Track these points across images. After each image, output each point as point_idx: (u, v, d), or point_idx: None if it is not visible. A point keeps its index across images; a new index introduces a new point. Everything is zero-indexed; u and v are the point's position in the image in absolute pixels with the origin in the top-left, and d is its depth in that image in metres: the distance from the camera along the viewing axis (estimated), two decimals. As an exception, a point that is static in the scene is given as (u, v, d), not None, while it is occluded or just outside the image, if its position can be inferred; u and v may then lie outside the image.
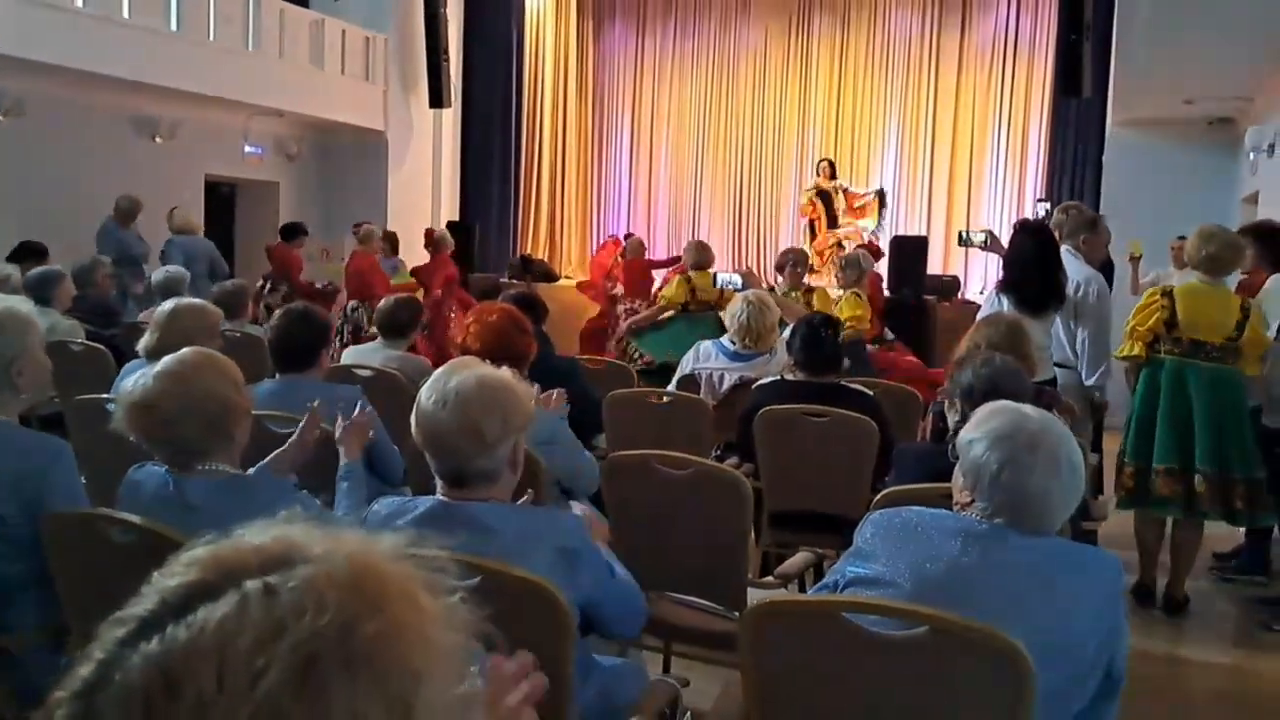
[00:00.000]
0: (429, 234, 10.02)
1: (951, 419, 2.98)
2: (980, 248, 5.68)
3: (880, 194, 13.15)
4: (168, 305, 3.76)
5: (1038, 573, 1.81)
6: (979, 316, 4.50)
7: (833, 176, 13.04)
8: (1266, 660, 4.33)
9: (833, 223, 12.96)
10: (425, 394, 2.05)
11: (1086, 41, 10.28)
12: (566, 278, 13.37)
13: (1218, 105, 9.52)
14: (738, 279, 6.66)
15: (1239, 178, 9.88)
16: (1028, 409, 1.94)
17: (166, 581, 0.66)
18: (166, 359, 2.26)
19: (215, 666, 0.61)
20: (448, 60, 12.36)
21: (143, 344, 3.70)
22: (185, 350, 2.33)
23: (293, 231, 9.73)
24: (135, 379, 2.25)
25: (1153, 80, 8.98)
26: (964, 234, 5.98)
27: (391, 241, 10.01)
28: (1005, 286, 4.76)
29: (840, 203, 13.02)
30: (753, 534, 4.01)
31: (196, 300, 3.97)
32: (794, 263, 6.87)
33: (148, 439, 2.21)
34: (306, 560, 0.67)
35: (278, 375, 3.51)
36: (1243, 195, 9.57)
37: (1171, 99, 9.26)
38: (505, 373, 2.11)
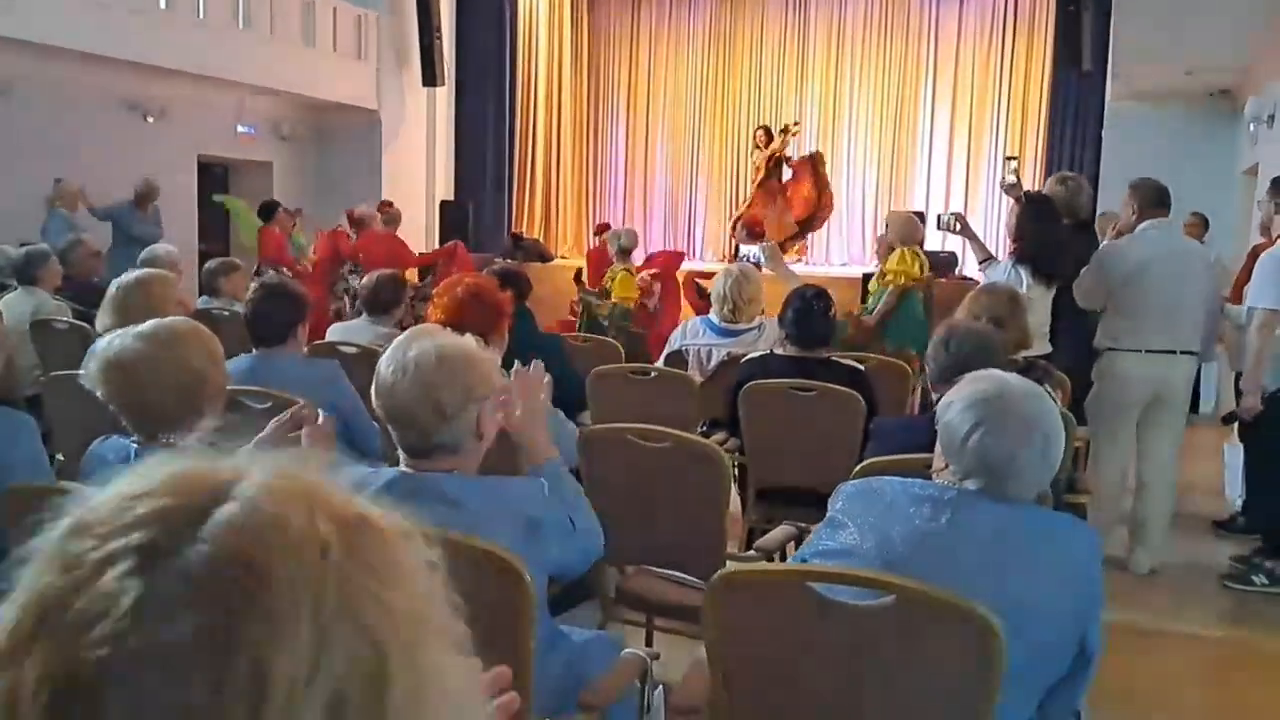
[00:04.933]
0: (349, 214, 9.33)
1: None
2: (951, 230, 5.62)
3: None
4: (127, 278, 3.71)
5: (1007, 540, 1.77)
6: (979, 287, 4.45)
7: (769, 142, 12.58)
8: (1253, 633, 4.30)
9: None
10: (384, 364, 2.00)
11: (1085, 13, 10.19)
12: (562, 258, 13.27)
13: (1218, 76, 9.42)
14: (757, 251, 6.64)
15: (1239, 150, 9.79)
16: (1011, 377, 1.90)
17: (131, 513, 0.59)
18: (151, 323, 2.21)
19: (281, 550, 0.58)
20: (440, 38, 12.26)
21: (100, 326, 3.65)
22: (172, 319, 2.29)
23: (268, 210, 9.34)
24: (111, 338, 2.20)
25: (1152, 51, 8.89)
26: (939, 217, 5.95)
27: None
28: (1023, 258, 4.73)
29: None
30: (740, 509, 3.99)
31: (145, 272, 3.90)
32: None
33: (117, 400, 2.15)
34: (256, 468, 0.63)
35: (254, 351, 3.46)
36: (1243, 168, 9.48)
37: (1171, 70, 9.17)
38: (468, 341, 2.06)
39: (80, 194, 8.44)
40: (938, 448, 1.90)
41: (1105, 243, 5.30)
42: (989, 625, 1.56)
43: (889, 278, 6.57)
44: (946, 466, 1.85)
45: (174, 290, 3.61)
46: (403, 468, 2.04)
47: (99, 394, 2.14)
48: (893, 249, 7.06)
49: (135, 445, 2.17)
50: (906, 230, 6.85)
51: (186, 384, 2.12)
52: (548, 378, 3.01)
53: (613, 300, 7.36)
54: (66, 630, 0.54)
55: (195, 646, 0.54)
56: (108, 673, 0.53)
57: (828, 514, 1.93)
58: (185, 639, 0.54)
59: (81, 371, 3.58)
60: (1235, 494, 5.61)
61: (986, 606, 1.57)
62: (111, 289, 3.62)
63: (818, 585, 1.69)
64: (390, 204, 9.45)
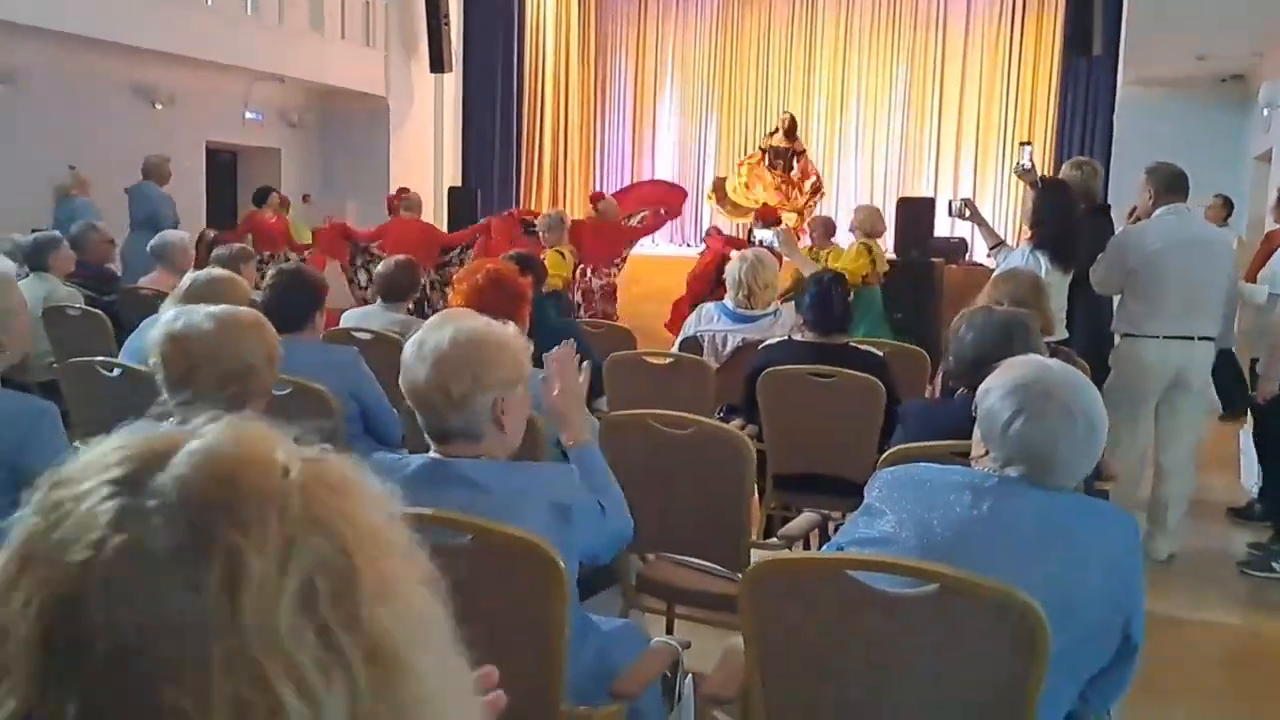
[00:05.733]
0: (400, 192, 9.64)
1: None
2: (961, 217, 5.60)
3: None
4: (201, 276, 3.68)
5: (1050, 528, 1.74)
6: (999, 273, 4.43)
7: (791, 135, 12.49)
8: (1272, 619, 4.29)
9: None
10: (407, 348, 2.00)
11: (1097, -3, 10.11)
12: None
13: (1230, 61, 9.37)
14: (770, 234, 6.61)
15: (1252, 136, 9.74)
16: (1053, 363, 1.87)
17: (101, 469, 0.62)
18: (223, 306, 2.24)
19: (243, 468, 0.61)
20: (448, 24, 12.22)
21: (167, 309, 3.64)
22: (243, 308, 2.31)
23: (260, 196, 9.38)
24: (179, 311, 2.21)
25: (1164, 36, 8.85)
26: (950, 204, 5.93)
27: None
28: (1041, 243, 4.69)
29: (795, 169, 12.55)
30: (756, 496, 3.98)
31: (220, 272, 3.87)
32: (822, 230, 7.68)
33: (166, 371, 2.15)
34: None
35: (273, 337, 3.44)
36: (1256, 153, 9.43)
37: (1183, 55, 9.11)
38: (494, 327, 2.03)
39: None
40: (976, 434, 1.88)
41: (1122, 228, 5.27)
42: (1034, 613, 1.54)
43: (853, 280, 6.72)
44: (986, 453, 1.82)
45: (246, 293, 3.58)
46: (432, 454, 2.03)
47: (151, 362, 2.14)
48: (829, 237, 7.28)
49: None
50: (869, 223, 6.91)
51: (233, 373, 2.11)
52: (585, 363, 3.01)
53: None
54: (50, 553, 0.58)
55: (176, 550, 0.57)
56: (91, 576, 0.56)
57: (864, 501, 1.91)
58: (166, 546, 0.57)
59: (99, 359, 3.63)
60: (1252, 481, 5.58)
61: (1031, 595, 1.55)
62: (185, 281, 3.58)
63: (857, 574, 1.67)
64: (407, 190, 9.47)
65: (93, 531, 0.58)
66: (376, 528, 0.64)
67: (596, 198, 9.68)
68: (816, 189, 12.17)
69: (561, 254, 7.38)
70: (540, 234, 7.75)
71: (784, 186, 12.10)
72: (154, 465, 0.61)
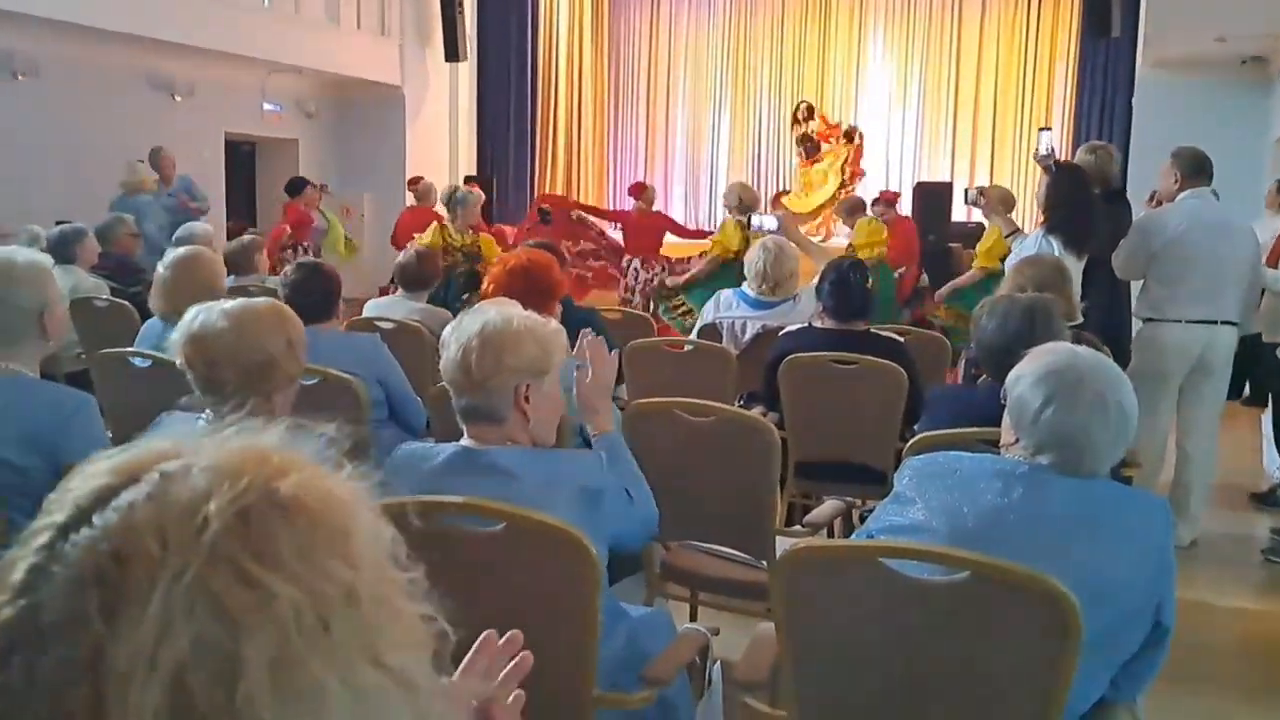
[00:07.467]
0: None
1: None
2: (976, 205, 5.58)
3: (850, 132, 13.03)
4: (167, 260, 3.74)
5: (1082, 515, 1.75)
6: (1016, 259, 4.42)
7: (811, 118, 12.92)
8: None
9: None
10: (447, 329, 2.09)
11: (1115, -21, 10.04)
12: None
13: (1250, 43, 9.28)
14: (771, 221, 6.57)
15: (1272, 118, 9.65)
16: (1082, 350, 1.88)
17: (72, 494, 0.65)
18: (239, 301, 2.27)
19: (156, 529, 0.60)
20: (462, 13, 12.22)
21: (154, 308, 3.72)
22: (259, 300, 2.33)
23: (294, 186, 9.20)
24: (199, 311, 2.24)
25: (1184, 17, 8.77)
26: (966, 192, 5.92)
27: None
28: (1054, 227, 4.67)
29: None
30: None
31: (189, 251, 3.91)
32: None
33: (192, 370, 2.19)
34: (204, 451, 0.66)
35: (296, 328, 3.48)
36: (1277, 136, 9.35)
37: (1203, 37, 9.03)
38: (529, 318, 2.06)
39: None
40: (1006, 421, 1.88)
41: (1144, 212, 5.25)
42: (1066, 600, 1.54)
43: (715, 250, 6.93)
44: (1016, 441, 1.83)
45: (214, 265, 3.63)
46: (463, 443, 2.06)
47: (177, 364, 2.18)
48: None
49: (202, 419, 2.18)
50: (744, 198, 6.96)
51: (255, 365, 2.15)
52: (615, 351, 3.03)
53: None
54: None
55: (58, 626, 0.58)
56: None
57: (894, 489, 1.92)
58: (50, 621, 0.58)
59: (129, 350, 3.67)
60: (1274, 466, 5.56)
61: (1064, 582, 1.56)
62: (159, 270, 3.64)
63: (889, 561, 1.68)
64: (420, 178, 9.43)
65: (4, 591, 0.60)
66: (300, 602, 0.60)
67: (638, 189, 9.40)
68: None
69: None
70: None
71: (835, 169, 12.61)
72: (89, 511, 0.61)
